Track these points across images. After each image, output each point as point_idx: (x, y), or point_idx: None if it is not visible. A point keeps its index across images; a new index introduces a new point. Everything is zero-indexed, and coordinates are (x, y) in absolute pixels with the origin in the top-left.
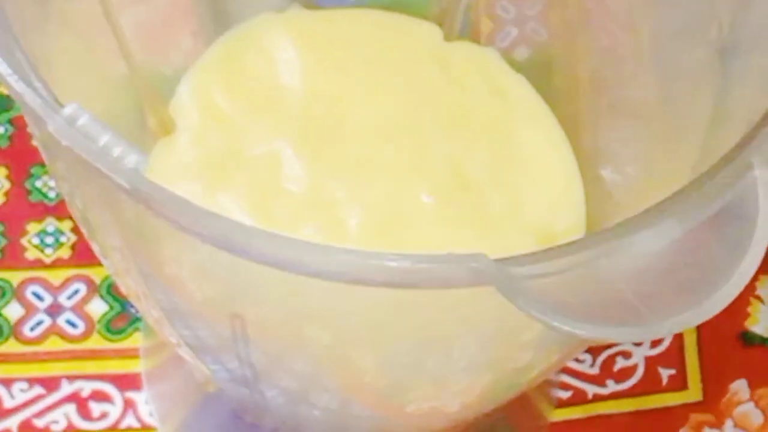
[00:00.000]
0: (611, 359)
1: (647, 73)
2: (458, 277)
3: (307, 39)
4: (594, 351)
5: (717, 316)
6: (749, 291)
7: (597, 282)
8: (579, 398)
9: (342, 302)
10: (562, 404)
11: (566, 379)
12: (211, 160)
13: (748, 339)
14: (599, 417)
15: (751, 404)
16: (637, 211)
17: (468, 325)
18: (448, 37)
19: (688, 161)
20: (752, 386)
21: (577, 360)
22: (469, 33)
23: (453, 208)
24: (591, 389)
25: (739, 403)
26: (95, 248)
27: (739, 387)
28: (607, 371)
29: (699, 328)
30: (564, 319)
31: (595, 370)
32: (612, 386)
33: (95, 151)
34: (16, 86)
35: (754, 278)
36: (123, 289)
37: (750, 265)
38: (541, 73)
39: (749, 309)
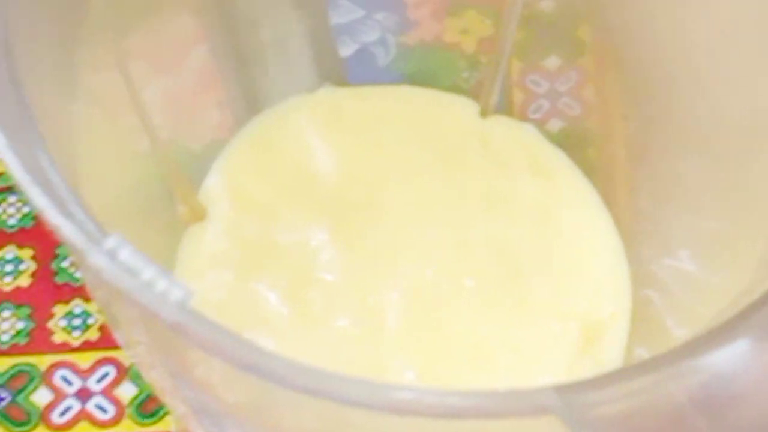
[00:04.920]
0: None
1: (694, 153)
2: (523, 411)
3: (340, 120)
4: None
5: None
6: None
7: (666, 407)
8: None
9: (388, 421)
10: None
11: None
12: (243, 249)
13: None
14: None
15: None
16: (691, 303)
17: None
18: (484, 113)
19: (752, 253)
20: None
21: None
22: (502, 104)
23: (495, 293)
24: None
25: None
26: (118, 338)
27: None
28: None
29: None
30: None
31: None
32: None
33: (139, 287)
34: (53, 220)
35: None
36: (147, 381)
37: None
38: (576, 144)
39: None
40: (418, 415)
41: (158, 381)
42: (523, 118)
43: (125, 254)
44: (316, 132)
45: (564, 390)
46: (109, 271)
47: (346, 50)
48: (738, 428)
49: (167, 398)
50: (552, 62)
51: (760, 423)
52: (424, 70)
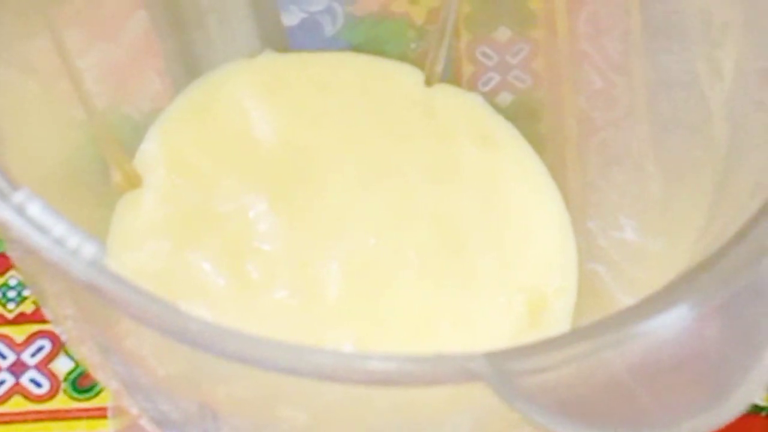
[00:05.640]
0: None
1: (641, 121)
2: (449, 378)
3: (281, 86)
4: None
5: None
6: None
7: (602, 376)
8: None
9: (320, 388)
10: None
11: None
12: (180, 218)
13: None
14: None
15: None
16: (637, 276)
17: (460, 410)
18: (429, 81)
19: (693, 221)
20: None
21: None
22: (451, 76)
23: (439, 265)
24: None
25: None
26: (47, 314)
27: None
28: None
29: None
30: (568, 423)
31: None
32: None
33: (49, 244)
34: None
35: None
36: (78, 358)
37: None
38: (526, 117)
39: None
40: (337, 380)
41: (89, 356)
42: (473, 91)
43: (34, 209)
44: (256, 98)
45: (494, 356)
46: (17, 227)
47: (292, 19)
48: (676, 395)
49: (99, 374)
50: (502, 33)
51: (698, 390)
52: (371, 40)
